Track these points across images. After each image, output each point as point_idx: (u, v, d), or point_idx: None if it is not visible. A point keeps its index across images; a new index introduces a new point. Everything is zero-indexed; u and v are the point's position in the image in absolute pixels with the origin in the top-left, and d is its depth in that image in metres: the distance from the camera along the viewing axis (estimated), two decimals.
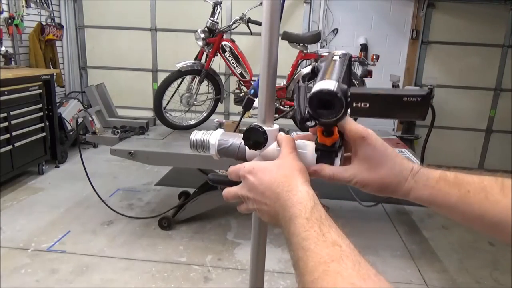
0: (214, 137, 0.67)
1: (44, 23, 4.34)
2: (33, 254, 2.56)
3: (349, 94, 0.47)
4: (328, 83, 0.48)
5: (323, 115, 0.48)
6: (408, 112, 0.46)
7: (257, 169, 0.54)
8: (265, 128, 0.61)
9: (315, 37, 3.01)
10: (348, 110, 0.49)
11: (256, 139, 0.61)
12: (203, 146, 0.68)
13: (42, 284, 2.28)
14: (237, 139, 0.66)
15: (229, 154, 0.67)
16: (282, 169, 0.53)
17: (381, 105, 0.47)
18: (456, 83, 4.64)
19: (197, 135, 0.69)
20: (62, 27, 4.70)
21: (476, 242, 3.09)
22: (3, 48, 3.83)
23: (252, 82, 3.09)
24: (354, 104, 0.48)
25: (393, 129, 4.81)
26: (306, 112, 0.51)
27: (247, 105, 2.59)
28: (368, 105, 0.47)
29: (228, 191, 0.59)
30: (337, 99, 0.47)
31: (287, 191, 0.50)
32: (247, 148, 0.63)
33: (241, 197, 0.57)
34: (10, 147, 3.41)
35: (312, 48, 3.86)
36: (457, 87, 4.64)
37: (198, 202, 3.01)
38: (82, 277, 2.37)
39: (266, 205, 0.53)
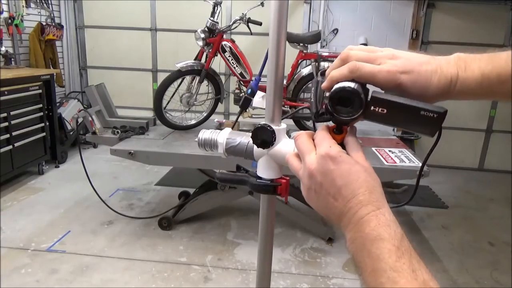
0: (222, 136, 0.68)
1: (44, 23, 4.34)
2: (33, 254, 2.57)
3: (369, 97, 0.49)
4: (350, 82, 0.49)
5: (341, 112, 0.50)
6: (422, 126, 0.47)
7: (343, 160, 0.48)
8: (273, 127, 0.62)
9: (315, 37, 3.01)
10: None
11: (264, 138, 0.62)
12: (211, 144, 0.69)
13: (42, 284, 2.29)
14: (245, 138, 0.67)
15: (237, 152, 0.68)
16: (370, 175, 0.48)
17: (398, 114, 0.48)
18: None
19: (205, 133, 0.70)
20: (62, 27, 4.70)
21: (476, 242, 3.09)
22: (3, 48, 3.83)
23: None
24: (372, 108, 0.48)
25: (393, 129, 4.81)
26: (323, 108, 0.52)
27: (244, 105, 2.60)
28: (385, 111, 0.48)
29: (293, 160, 0.55)
30: (358, 98, 0.48)
31: (370, 201, 0.45)
32: (255, 146, 0.64)
33: (304, 172, 0.51)
34: (10, 147, 3.41)
35: (312, 48, 3.86)
36: None
37: (198, 202, 3.01)
38: (82, 277, 2.37)
39: (334, 199, 0.48)
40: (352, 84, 0.49)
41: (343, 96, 0.49)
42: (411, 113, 0.47)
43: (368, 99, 0.49)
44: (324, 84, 0.53)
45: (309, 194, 0.51)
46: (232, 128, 2.70)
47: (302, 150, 0.53)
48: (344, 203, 0.47)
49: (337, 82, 0.50)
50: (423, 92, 0.49)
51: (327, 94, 0.51)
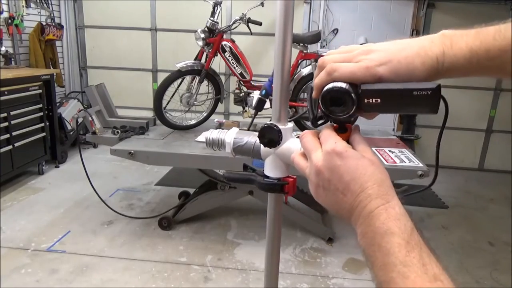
0: (229, 135, 0.69)
1: (44, 23, 4.34)
2: (33, 254, 2.56)
3: (359, 91, 0.49)
4: (339, 81, 0.50)
5: (336, 112, 0.50)
6: (420, 106, 0.47)
7: (349, 155, 0.48)
8: (280, 126, 0.63)
9: (315, 37, 3.01)
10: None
11: (271, 137, 0.62)
12: (219, 144, 0.70)
13: (42, 284, 2.29)
14: (252, 137, 0.68)
15: (244, 152, 0.68)
16: (377, 168, 0.47)
17: (392, 100, 0.48)
18: (456, 83, 4.63)
19: (213, 133, 0.71)
20: (62, 27, 4.70)
21: (476, 242, 3.09)
22: (3, 48, 3.83)
23: (252, 82, 3.09)
24: (365, 101, 0.49)
25: (393, 129, 4.81)
26: (319, 111, 0.53)
27: (259, 106, 2.60)
28: (379, 100, 0.48)
29: (299, 159, 0.55)
30: (348, 96, 0.49)
31: (378, 194, 0.45)
32: (262, 146, 0.64)
33: (311, 170, 0.51)
34: (10, 147, 3.41)
35: (312, 48, 3.86)
36: (457, 87, 4.64)
37: (198, 202, 3.01)
38: (82, 277, 2.37)
39: (343, 195, 0.48)
40: (341, 84, 0.49)
41: (333, 96, 0.50)
42: (404, 96, 0.47)
43: (360, 93, 0.49)
44: (313, 94, 0.54)
45: (318, 191, 0.51)
46: (248, 129, 2.71)
47: (308, 148, 0.53)
48: (353, 197, 0.47)
49: (322, 88, 0.51)
50: (408, 78, 0.49)
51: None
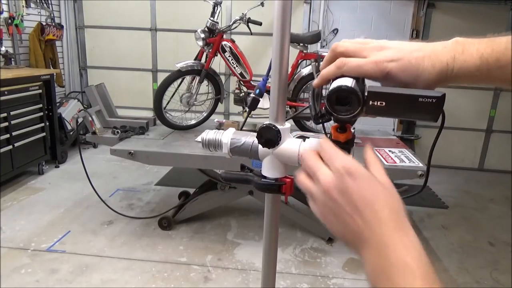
0: (226, 136, 0.68)
1: (44, 23, 4.34)
2: (33, 254, 2.56)
3: (366, 92, 0.49)
4: (346, 81, 0.50)
5: (340, 111, 0.50)
6: (423, 113, 0.48)
7: (362, 175, 0.45)
8: (278, 126, 0.63)
9: (315, 37, 3.01)
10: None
11: (269, 137, 0.62)
12: (215, 145, 0.69)
13: (42, 284, 2.29)
14: (249, 138, 0.67)
15: (241, 152, 0.68)
16: (390, 193, 0.45)
17: (397, 104, 0.49)
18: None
19: (209, 134, 0.70)
20: (62, 27, 4.70)
21: (476, 242, 3.09)
22: (3, 48, 3.83)
23: (252, 82, 3.09)
24: (370, 102, 0.49)
25: (393, 129, 4.81)
26: (323, 109, 0.53)
27: (253, 105, 2.61)
28: (384, 103, 0.49)
29: (304, 179, 0.50)
30: (355, 96, 0.49)
31: (394, 223, 0.42)
32: (260, 146, 0.64)
33: (318, 190, 0.47)
34: (10, 147, 3.41)
35: (312, 48, 3.86)
36: (457, 87, 4.64)
37: (198, 202, 3.01)
38: (82, 277, 2.37)
39: (351, 218, 0.44)
40: (348, 83, 0.49)
41: (340, 95, 0.50)
42: (409, 102, 0.48)
43: (366, 94, 0.49)
44: (315, 82, 0.54)
45: (324, 211, 0.48)
46: (241, 128, 2.71)
47: (312, 166, 0.49)
48: (363, 222, 0.43)
49: (328, 79, 0.51)
50: (416, 78, 0.49)
51: (325, 93, 0.51)
